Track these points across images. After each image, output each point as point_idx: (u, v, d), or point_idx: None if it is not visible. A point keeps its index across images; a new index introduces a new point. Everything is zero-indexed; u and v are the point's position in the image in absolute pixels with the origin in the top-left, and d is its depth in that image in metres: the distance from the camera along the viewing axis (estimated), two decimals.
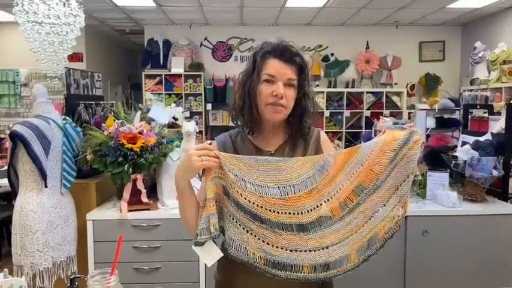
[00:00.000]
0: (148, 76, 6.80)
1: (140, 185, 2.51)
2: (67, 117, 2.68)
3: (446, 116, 3.28)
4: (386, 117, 5.22)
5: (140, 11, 6.24)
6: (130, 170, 2.39)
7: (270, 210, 1.20)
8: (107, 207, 2.63)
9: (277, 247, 1.20)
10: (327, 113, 6.77)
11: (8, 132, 2.38)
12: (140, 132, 2.44)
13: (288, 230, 1.20)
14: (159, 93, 6.53)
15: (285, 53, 1.28)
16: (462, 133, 3.09)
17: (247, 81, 1.32)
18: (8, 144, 2.38)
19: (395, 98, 6.97)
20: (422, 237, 2.53)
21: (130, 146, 2.35)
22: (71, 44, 3.85)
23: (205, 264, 2.45)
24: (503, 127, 2.81)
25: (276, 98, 1.26)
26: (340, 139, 6.92)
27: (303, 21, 6.85)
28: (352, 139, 6.95)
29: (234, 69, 6.97)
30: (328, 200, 1.22)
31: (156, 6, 5.87)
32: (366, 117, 6.81)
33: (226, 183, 1.22)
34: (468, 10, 6.18)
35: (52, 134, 2.40)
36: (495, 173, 2.58)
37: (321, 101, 6.69)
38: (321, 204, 1.21)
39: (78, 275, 1.19)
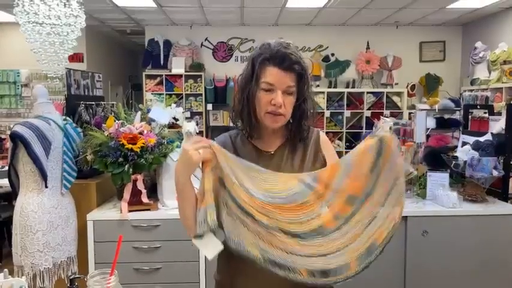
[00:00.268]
0: (148, 76, 6.81)
1: (140, 186, 2.52)
2: (67, 118, 2.68)
3: (446, 116, 3.28)
4: (387, 117, 5.22)
5: (141, 12, 6.25)
6: (131, 170, 2.40)
7: (260, 213, 1.18)
8: (107, 208, 2.64)
9: (272, 245, 1.18)
10: (327, 113, 6.77)
11: (8, 132, 2.38)
12: (140, 133, 2.44)
13: (283, 232, 1.17)
14: (160, 94, 6.54)
15: (285, 61, 1.24)
16: (462, 133, 3.09)
17: (246, 86, 1.30)
18: (8, 144, 2.39)
19: (395, 98, 6.96)
20: (422, 238, 2.53)
21: (130, 146, 2.36)
22: (72, 44, 3.86)
23: (205, 264, 2.47)
24: (504, 127, 2.81)
25: (275, 107, 1.25)
26: (340, 139, 6.92)
27: (304, 21, 6.85)
28: (353, 139, 6.95)
29: (234, 69, 6.97)
30: (320, 214, 1.20)
31: (157, 7, 5.87)
32: (367, 117, 6.80)
33: (221, 173, 1.21)
34: (468, 10, 6.18)
35: (52, 134, 2.40)
36: (495, 173, 2.58)
37: (321, 101, 6.69)
38: (312, 218, 1.19)
39: (77, 276, 1.19)
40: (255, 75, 1.27)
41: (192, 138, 1.23)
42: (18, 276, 2.25)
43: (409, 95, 7.02)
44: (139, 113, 2.61)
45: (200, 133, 6.41)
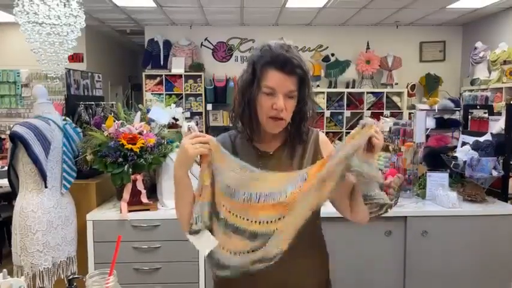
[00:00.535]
0: (148, 76, 6.81)
1: (140, 186, 2.52)
2: (67, 118, 2.68)
3: (446, 116, 3.28)
4: (387, 117, 5.22)
5: (140, 12, 6.25)
6: (130, 170, 2.40)
7: (230, 212, 1.19)
8: (107, 208, 2.64)
9: (222, 248, 1.20)
10: (327, 113, 6.78)
11: (8, 132, 2.38)
12: (140, 133, 2.44)
13: (239, 234, 1.18)
14: (160, 94, 6.54)
15: (287, 65, 1.23)
16: (462, 133, 3.09)
17: (246, 89, 1.29)
18: (8, 144, 2.39)
19: (395, 98, 6.97)
20: (422, 238, 2.53)
21: (130, 146, 2.36)
22: (72, 44, 3.86)
23: (204, 264, 2.47)
24: (503, 127, 2.81)
25: (276, 112, 1.25)
26: (340, 139, 6.92)
27: (304, 21, 6.85)
28: None
29: (234, 69, 6.97)
30: (282, 217, 1.17)
31: (157, 7, 5.88)
32: (367, 117, 6.80)
33: (213, 168, 1.22)
34: (469, 10, 6.18)
35: (52, 134, 2.40)
36: (495, 173, 2.58)
37: (322, 101, 6.70)
38: (279, 219, 1.17)
39: (76, 276, 1.19)
40: (256, 79, 1.26)
41: (190, 133, 1.22)
42: (17, 276, 2.25)
43: (409, 95, 7.02)
44: (139, 113, 2.61)
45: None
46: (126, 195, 2.49)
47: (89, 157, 2.47)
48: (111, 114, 2.75)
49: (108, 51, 8.36)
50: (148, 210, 2.54)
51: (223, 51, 7.21)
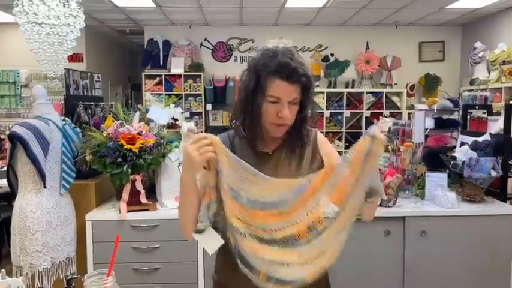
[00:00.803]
0: (148, 76, 6.81)
1: (139, 186, 2.52)
2: (66, 118, 2.68)
3: (445, 116, 3.28)
4: (386, 117, 5.22)
5: (140, 12, 6.25)
6: (129, 170, 2.40)
7: (234, 216, 1.18)
8: (106, 208, 2.64)
9: (244, 248, 1.19)
10: (326, 113, 6.78)
11: (8, 132, 2.38)
12: (139, 133, 2.44)
13: (255, 239, 1.18)
14: (159, 94, 6.54)
15: (292, 75, 1.23)
16: (461, 133, 3.09)
17: (250, 97, 1.28)
18: (7, 145, 2.39)
19: (395, 98, 6.97)
20: (421, 238, 2.53)
21: (129, 146, 2.36)
22: (71, 44, 3.85)
23: (204, 264, 2.47)
24: (502, 127, 2.81)
25: (281, 120, 1.26)
26: (340, 139, 6.93)
27: (303, 21, 6.85)
28: (352, 139, 6.94)
29: (234, 69, 6.98)
30: (296, 222, 1.18)
31: (156, 7, 5.88)
32: (366, 117, 6.81)
33: (221, 170, 1.20)
34: (468, 10, 6.18)
35: (51, 135, 2.40)
36: (493, 173, 2.58)
37: (321, 101, 6.70)
38: (284, 228, 1.17)
39: (74, 276, 1.19)
40: (261, 88, 1.25)
41: (193, 136, 1.21)
42: (16, 277, 2.25)
43: (409, 95, 7.03)
44: (138, 113, 2.61)
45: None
46: (125, 195, 2.49)
47: (88, 157, 2.47)
48: (110, 114, 2.75)
49: (108, 52, 8.36)
50: (147, 210, 2.54)
51: (222, 51, 7.22)
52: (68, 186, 2.49)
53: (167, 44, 6.95)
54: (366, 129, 6.56)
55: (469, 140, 2.84)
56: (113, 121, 2.47)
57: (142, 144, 2.40)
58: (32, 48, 3.76)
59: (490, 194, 2.82)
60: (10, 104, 6.66)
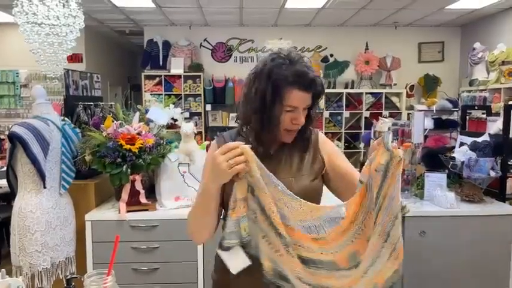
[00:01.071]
0: (147, 77, 6.82)
1: (139, 186, 2.52)
2: (66, 118, 2.68)
3: (444, 117, 3.28)
4: (386, 117, 5.22)
5: (140, 12, 6.25)
6: (129, 170, 2.40)
7: (283, 228, 1.14)
8: (106, 208, 2.64)
9: (285, 263, 1.14)
10: (326, 114, 6.79)
11: (7, 133, 2.38)
12: (139, 133, 2.45)
13: (297, 255, 1.14)
14: (159, 94, 6.55)
15: (311, 86, 1.24)
16: (460, 134, 3.10)
17: (268, 107, 1.24)
18: (7, 145, 2.39)
19: (394, 99, 6.98)
20: (420, 238, 2.54)
21: (128, 147, 2.36)
22: (71, 45, 3.86)
23: (203, 264, 2.47)
24: (501, 128, 2.82)
25: (295, 126, 1.27)
26: (339, 140, 6.94)
27: (303, 22, 6.86)
28: (352, 140, 6.97)
29: (233, 70, 6.99)
30: (337, 252, 1.13)
31: (156, 7, 5.88)
32: (365, 118, 6.82)
33: (251, 179, 1.13)
34: (467, 11, 6.19)
35: (51, 135, 2.40)
36: (492, 173, 2.59)
37: (320, 101, 6.69)
38: (326, 253, 1.14)
39: (74, 276, 1.19)
40: (279, 99, 1.23)
41: (224, 145, 1.14)
42: (16, 277, 2.25)
43: (408, 96, 7.04)
44: (137, 113, 2.61)
45: (199, 133, 6.43)
46: (125, 195, 2.49)
47: (87, 157, 2.47)
48: (109, 114, 2.75)
49: (107, 52, 8.37)
50: (146, 210, 2.54)
51: (222, 52, 7.22)
52: (67, 186, 2.49)
53: (167, 45, 6.96)
54: (365, 129, 6.59)
55: (468, 140, 2.84)
56: (113, 121, 2.47)
57: (141, 144, 2.40)
58: (32, 48, 3.76)
59: (489, 194, 2.82)
60: (9, 104, 6.65)
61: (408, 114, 6.26)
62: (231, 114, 6.90)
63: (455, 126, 3.22)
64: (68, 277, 1.18)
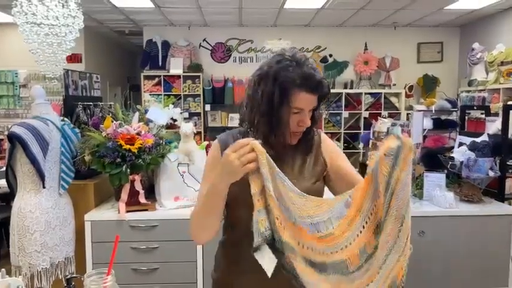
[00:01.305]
0: (147, 77, 6.82)
1: (138, 186, 2.52)
2: (65, 118, 2.68)
3: (443, 117, 3.29)
4: (385, 118, 5.23)
5: (139, 12, 6.25)
6: (128, 171, 2.40)
7: (283, 228, 1.11)
8: (105, 208, 2.64)
9: (295, 267, 1.11)
10: (325, 114, 6.78)
11: (7, 133, 2.38)
12: (138, 133, 2.45)
13: (304, 261, 1.12)
14: (158, 94, 6.55)
15: (318, 88, 1.24)
16: (459, 134, 3.11)
17: (276, 110, 1.23)
18: (6, 145, 2.39)
19: (393, 99, 6.99)
20: (419, 238, 2.54)
21: (128, 147, 2.36)
22: (70, 45, 3.86)
23: (202, 264, 2.48)
24: (500, 128, 2.82)
25: (301, 128, 1.27)
26: (338, 140, 6.94)
27: (302, 22, 6.86)
28: (351, 140, 6.97)
29: (233, 70, 6.99)
30: (346, 246, 1.10)
31: (155, 8, 5.88)
32: (365, 118, 6.83)
33: (263, 173, 1.11)
34: (466, 11, 6.20)
35: (50, 135, 2.40)
36: (491, 173, 2.59)
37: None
38: (336, 252, 1.10)
39: (74, 275, 1.19)
40: (286, 101, 1.22)
41: (235, 143, 1.12)
42: (15, 277, 2.25)
43: (407, 96, 7.05)
44: (137, 113, 2.61)
45: (198, 134, 6.43)
46: (124, 195, 2.49)
47: (87, 157, 2.47)
48: (109, 114, 2.75)
49: (107, 52, 8.36)
50: (146, 210, 2.54)
51: (221, 52, 7.22)
52: (66, 186, 2.49)
53: (166, 45, 6.96)
54: (364, 129, 6.60)
55: (467, 140, 2.85)
56: (112, 121, 2.47)
57: (141, 144, 2.40)
58: (31, 48, 3.76)
59: (488, 194, 2.83)
60: (8, 104, 6.64)
61: (407, 114, 6.27)
62: (230, 115, 6.91)
63: (454, 126, 3.23)
64: (68, 277, 1.18)
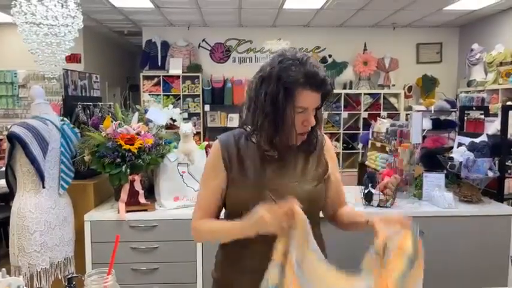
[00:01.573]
0: (146, 77, 6.82)
1: (138, 186, 2.52)
2: (65, 118, 2.68)
3: (442, 117, 3.30)
4: (384, 118, 5.25)
5: (138, 13, 6.25)
6: (128, 171, 2.40)
7: None
8: (105, 208, 2.64)
9: None
10: (324, 115, 6.80)
11: (5, 133, 2.38)
12: (138, 134, 2.45)
13: None
14: (157, 95, 6.55)
15: (322, 86, 1.22)
16: (458, 134, 3.11)
17: (280, 109, 1.22)
18: (5, 145, 2.39)
19: (392, 100, 7.00)
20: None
21: (128, 147, 2.36)
22: (69, 45, 3.86)
23: (202, 264, 2.48)
24: (499, 129, 2.83)
25: (306, 128, 1.26)
26: (337, 140, 6.96)
27: (301, 22, 6.87)
28: (350, 140, 6.98)
29: (232, 70, 7.00)
30: None
31: (154, 8, 5.88)
32: (364, 118, 6.84)
33: (292, 241, 1.11)
34: (465, 12, 6.22)
35: (50, 135, 2.40)
36: (490, 174, 2.59)
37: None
38: None
39: (75, 275, 1.19)
40: (291, 101, 1.21)
41: (277, 207, 1.11)
42: (15, 277, 2.25)
43: (406, 97, 7.06)
44: (136, 113, 2.61)
45: (197, 134, 6.43)
46: (124, 195, 2.49)
47: (86, 158, 2.47)
48: (108, 114, 2.75)
49: (106, 52, 8.36)
50: (146, 210, 2.54)
51: (221, 52, 7.23)
52: (66, 186, 2.49)
53: (165, 45, 6.96)
54: (363, 130, 6.61)
55: (466, 141, 2.85)
56: (112, 121, 2.47)
57: (141, 144, 2.40)
58: (30, 48, 3.76)
59: (487, 194, 2.83)
60: (7, 104, 6.63)
61: (406, 115, 6.29)
62: (230, 115, 6.91)
63: (454, 126, 3.24)
64: (69, 276, 1.18)
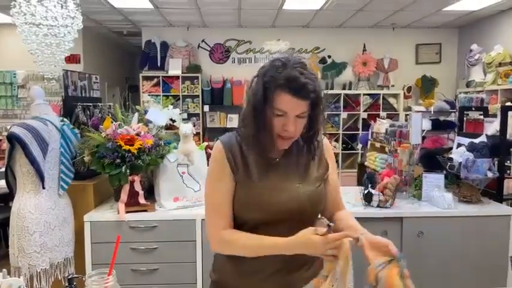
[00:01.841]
0: (145, 78, 6.82)
1: (138, 187, 2.52)
2: (65, 119, 2.68)
3: (441, 118, 3.31)
4: (383, 119, 5.25)
5: (137, 13, 6.25)
6: (128, 171, 2.40)
7: None
8: (105, 209, 2.64)
9: None
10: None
11: (5, 133, 2.38)
12: (138, 134, 2.45)
13: None
14: (157, 95, 6.55)
15: (301, 91, 1.18)
16: (458, 135, 3.12)
17: (258, 108, 1.23)
18: (5, 145, 2.39)
19: (392, 100, 7.00)
20: (417, 238, 2.55)
21: (127, 147, 2.36)
22: (69, 45, 3.86)
23: (202, 265, 2.48)
24: (498, 129, 2.83)
25: (287, 133, 1.24)
26: (337, 141, 6.96)
27: (301, 23, 6.88)
28: (349, 141, 6.99)
29: (231, 71, 7.00)
30: None
31: (154, 8, 5.88)
32: (363, 119, 6.85)
33: (337, 270, 1.17)
34: (465, 13, 6.22)
35: (49, 135, 2.40)
36: (490, 174, 2.60)
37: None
38: None
39: (76, 275, 1.20)
40: (269, 102, 1.21)
41: (330, 237, 1.15)
42: (15, 277, 2.25)
43: (406, 97, 7.06)
44: (136, 114, 2.61)
45: (197, 134, 6.43)
46: (124, 196, 2.49)
47: (86, 158, 2.47)
48: (108, 115, 2.75)
49: (105, 53, 8.36)
50: (145, 211, 2.54)
51: (220, 53, 7.23)
52: (66, 187, 2.49)
53: (165, 46, 6.96)
54: (362, 130, 6.61)
55: (466, 141, 2.86)
56: (112, 122, 2.47)
57: (140, 145, 2.40)
58: (30, 49, 3.76)
59: (487, 195, 2.83)
60: (7, 105, 6.63)
61: (406, 115, 6.30)
62: (229, 115, 6.91)
63: (453, 127, 3.24)
64: (70, 276, 1.18)
